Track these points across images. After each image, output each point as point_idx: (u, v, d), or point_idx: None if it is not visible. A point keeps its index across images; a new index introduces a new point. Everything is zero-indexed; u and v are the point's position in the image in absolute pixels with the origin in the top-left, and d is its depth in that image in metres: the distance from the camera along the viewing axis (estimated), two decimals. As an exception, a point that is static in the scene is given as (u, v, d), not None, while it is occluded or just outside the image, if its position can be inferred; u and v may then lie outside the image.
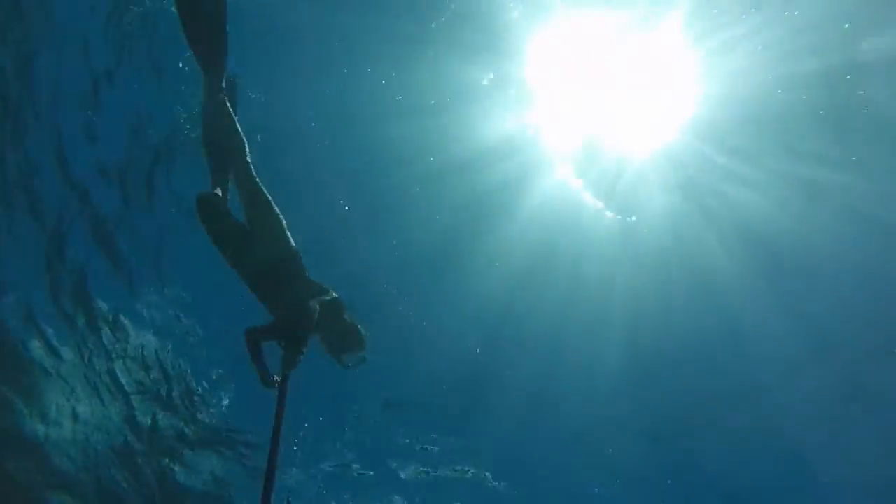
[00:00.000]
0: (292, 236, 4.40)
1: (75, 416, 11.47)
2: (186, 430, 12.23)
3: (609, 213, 11.02)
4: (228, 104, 4.40)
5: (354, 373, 4.71)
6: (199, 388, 12.04)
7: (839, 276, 10.75)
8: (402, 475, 13.72)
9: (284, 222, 4.35)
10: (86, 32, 8.96)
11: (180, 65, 8.84)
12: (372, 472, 13.64)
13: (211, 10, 4.27)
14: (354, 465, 13.50)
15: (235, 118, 4.43)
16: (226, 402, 12.36)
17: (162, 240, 10.76)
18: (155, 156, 9.96)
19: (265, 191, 4.31)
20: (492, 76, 9.65)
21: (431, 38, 9.23)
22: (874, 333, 11.19)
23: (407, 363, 12.02)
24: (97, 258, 10.52)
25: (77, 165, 9.79)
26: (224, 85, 4.42)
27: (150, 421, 11.93)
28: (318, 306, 4.14)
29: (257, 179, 4.33)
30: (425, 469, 13.74)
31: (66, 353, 11.05)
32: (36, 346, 10.84)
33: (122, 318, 11.10)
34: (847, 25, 8.12)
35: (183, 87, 9.11)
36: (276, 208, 4.31)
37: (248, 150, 4.42)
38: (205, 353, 11.86)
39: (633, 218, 10.97)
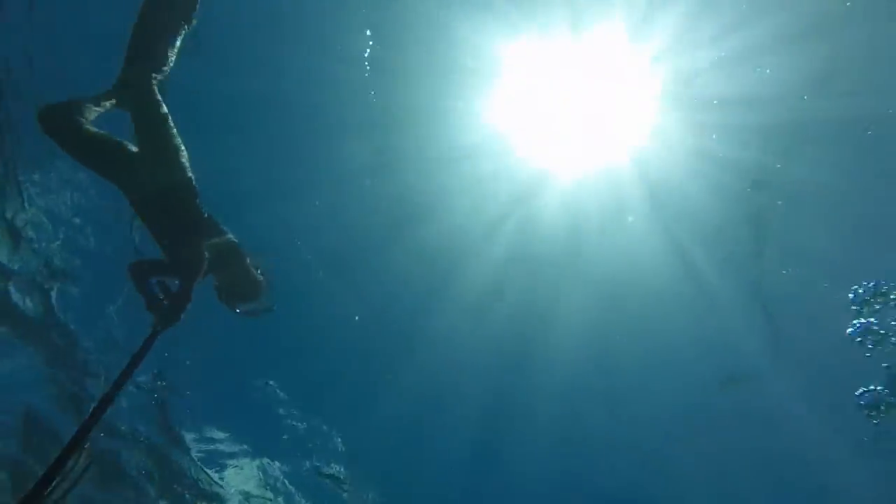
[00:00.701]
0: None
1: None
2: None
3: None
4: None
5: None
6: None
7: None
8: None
9: (183, 151, 3.90)
10: None
11: None
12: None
13: None
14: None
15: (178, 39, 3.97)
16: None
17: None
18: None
19: (164, 113, 3.83)
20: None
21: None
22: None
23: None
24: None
25: None
26: None
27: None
28: (207, 254, 3.87)
29: (158, 98, 3.83)
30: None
31: None
32: None
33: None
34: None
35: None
36: (172, 132, 3.84)
37: (166, 72, 3.94)
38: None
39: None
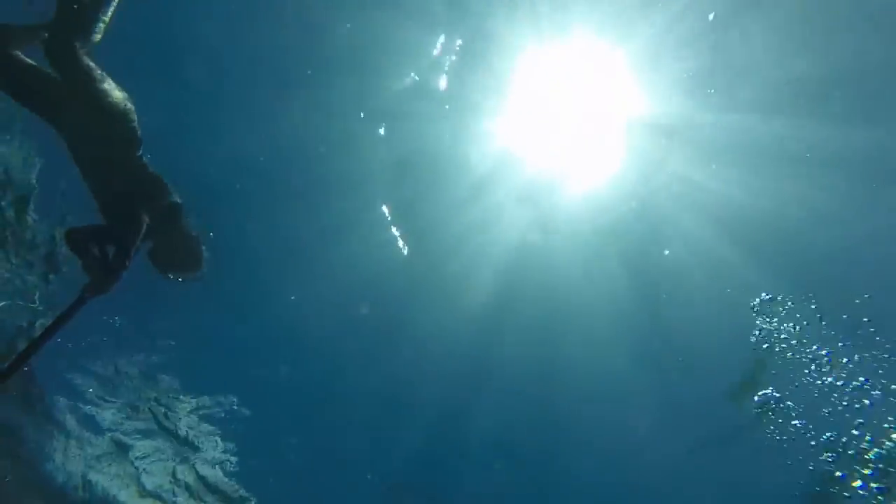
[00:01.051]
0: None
1: None
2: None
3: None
4: None
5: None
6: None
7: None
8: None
9: (121, 95, 3.50)
10: None
11: None
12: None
13: None
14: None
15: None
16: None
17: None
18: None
19: (95, 73, 3.39)
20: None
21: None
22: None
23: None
24: None
25: None
26: None
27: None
28: (147, 220, 3.54)
29: (86, 64, 3.38)
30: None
31: None
32: None
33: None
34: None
35: None
36: (97, 74, 3.40)
37: (95, 40, 3.48)
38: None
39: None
